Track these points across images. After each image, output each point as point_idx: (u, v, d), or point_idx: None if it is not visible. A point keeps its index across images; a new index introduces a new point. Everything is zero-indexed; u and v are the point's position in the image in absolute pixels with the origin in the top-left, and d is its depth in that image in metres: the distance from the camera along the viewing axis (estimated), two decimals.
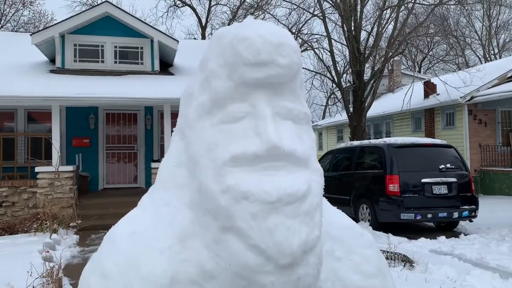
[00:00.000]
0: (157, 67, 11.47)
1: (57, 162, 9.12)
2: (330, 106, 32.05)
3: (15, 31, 24.91)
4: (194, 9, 29.41)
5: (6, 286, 4.31)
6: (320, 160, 12.19)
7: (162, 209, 0.96)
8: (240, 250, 0.82)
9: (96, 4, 11.79)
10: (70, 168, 9.39)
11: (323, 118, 34.00)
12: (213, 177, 0.87)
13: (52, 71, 10.76)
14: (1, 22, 28.11)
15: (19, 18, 29.12)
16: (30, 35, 10.90)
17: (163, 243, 0.91)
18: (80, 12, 11.18)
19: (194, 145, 0.92)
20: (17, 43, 12.36)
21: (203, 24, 29.72)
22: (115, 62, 11.29)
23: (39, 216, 8.13)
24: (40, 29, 12.70)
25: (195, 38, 30.54)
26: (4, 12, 28.59)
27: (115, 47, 11.31)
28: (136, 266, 0.88)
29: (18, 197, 9.15)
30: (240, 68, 0.89)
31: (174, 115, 10.47)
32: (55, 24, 11.39)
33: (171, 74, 11.79)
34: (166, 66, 12.17)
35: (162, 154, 10.21)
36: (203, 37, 29.10)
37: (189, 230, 0.89)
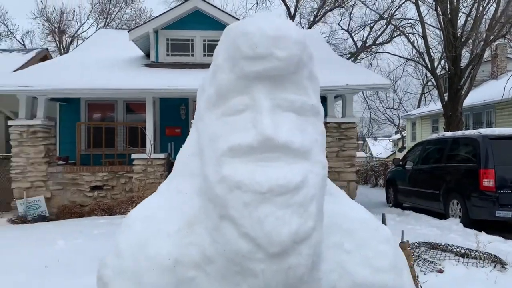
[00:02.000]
0: None
1: (149, 150, 9.81)
2: (425, 95, 30.32)
3: (119, 28, 26.96)
4: None
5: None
6: (408, 152, 11.65)
7: (175, 195, 1.02)
8: (233, 237, 0.86)
9: None
10: (162, 155, 10.05)
11: (418, 107, 32.26)
12: (212, 167, 0.91)
13: (147, 65, 11.53)
14: (107, 21, 30.61)
15: (122, 16, 31.48)
16: (128, 31, 11.76)
17: (172, 227, 0.97)
18: (172, 8, 11.80)
19: (202, 136, 0.97)
20: (118, 40, 13.41)
21: (292, 14, 29.64)
22: (204, 55, 11.77)
23: (133, 199, 8.83)
24: (137, 25, 13.62)
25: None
26: (110, 11, 31.10)
27: (204, 40, 11.78)
28: (145, 247, 0.96)
29: (116, 181, 10.01)
30: (240, 62, 0.92)
31: None
32: (149, 20, 12.17)
33: None
34: None
35: None
36: None
37: (196, 216, 0.94)
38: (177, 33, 11.71)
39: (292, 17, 29.40)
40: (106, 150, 11.13)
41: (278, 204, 0.85)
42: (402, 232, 5.79)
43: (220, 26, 11.57)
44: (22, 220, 9.23)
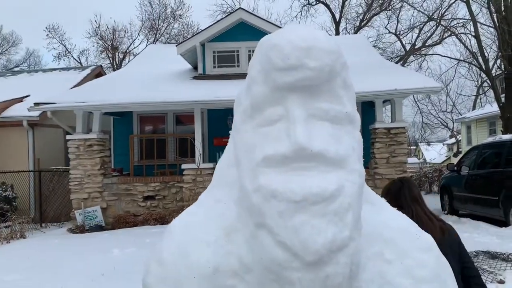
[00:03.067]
0: None
1: (199, 160, 10.02)
2: (480, 97, 28.99)
3: (167, 43, 27.84)
4: (327, 6, 29.29)
5: None
6: (463, 157, 11.17)
7: (214, 205, 1.06)
8: (270, 246, 0.87)
9: (231, 11, 12.66)
10: (210, 165, 10.22)
11: (474, 109, 30.86)
12: (248, 177, 0.94)
13: (194, 77, 11.83)
14: (156, 36, 31.72)
15: (171, 31, 32.49)
16: (176, 46, 12.13)
17: (210, 236, 1.00)
18: (217, 21, 12.06)
19: (238, 147, 1.00)
20: (167, 54, 13.86)
21: (337, 20, 29.41)
22: None
23: (184, 208, 9.00)
24: (184, 40, 14.03)
25: (329, 35, 30.37)
26: (159, 27, 32.21)
27: (249, 51, 11.93)
28: (185, 255, 1.00)
29: (168, 191, 10.29)
30: (272, 73, 0.94)
31: None
32: (195, 34, 12.50)
33: None
34: None
35: None
36: (337, 33, 28.78)
37: (233, 225, 0.97)
38: (223, 45, 11.94)
39: (337, 23, 29.17)
40: (158, 161, 11.48)
41: (313, 212, 0.86)
42: None
43: (263, 35, 11.67)
44: (81, 229, 9.68)
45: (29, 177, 12.11)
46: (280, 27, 11.19)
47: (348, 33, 29.36)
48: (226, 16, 12.37)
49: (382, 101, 10.10)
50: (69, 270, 6.06)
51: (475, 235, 7.47)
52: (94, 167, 10.37)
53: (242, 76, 11.11)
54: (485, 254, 5.66)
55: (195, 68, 12.47)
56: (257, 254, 0.90)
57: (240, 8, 11.99)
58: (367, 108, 12.08)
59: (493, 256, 5.59)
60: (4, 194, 11.13)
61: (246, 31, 11.80)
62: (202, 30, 12.09)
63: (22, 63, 36.17)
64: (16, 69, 32.96)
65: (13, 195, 11.42)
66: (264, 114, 0.96)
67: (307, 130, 0.90)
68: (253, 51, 11.92)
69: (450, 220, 9.45)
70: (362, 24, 29.30)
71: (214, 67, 11.94)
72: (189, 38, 12.57)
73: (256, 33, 11.73)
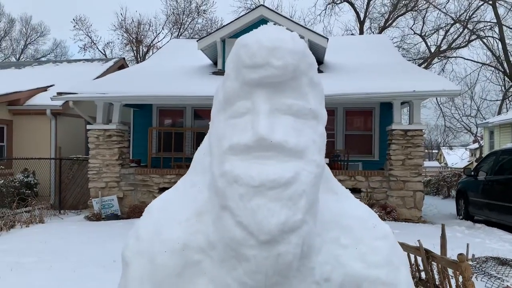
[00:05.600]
0: None
1: None
2: (506, 101, 28.28)
3: (191, 38, 28.09)
4: (352, 5, 29.07)
5: None
6: (481, 162, 11.01)
7: (189, 189, 1.17)
8: (230, 226, 0.97)
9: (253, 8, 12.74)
10: None
11: (499, 114, 30.15)
12: (216, 163, 1.04)
13: (214, 73, 11.95)
14: (180, 30, 32.02)
15: (194, 25, 32.76)
16: (197, 41, 12.27)
17: (182, 216, 1.11)
18: (238, 18, 12.14)
19: (211, 136, 1.10)
20: (188, 49, 14.03)
21: (361, 19, 29.15)
22: None
23: None
24: (205, 35, 14.16)
25: (352, 34, 30.17)
26: (183, 21, 32.51)
27: None
28: (159, 232, 1.11)
29: None
30: (242, 70, 1.04)
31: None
32: (216, 30, 12.61)
33: (320, 71, 11.98)
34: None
35: None
36: (361, 32, 28.54)
37: (204, 207, 1.07)
38: None
39: (361, 22, 28.92)
40: (175, 154, 11.66)
41: (269, 197, 0.95)
42: (468, 245, 5.53)
43: None
44: (97, 217, 9.94)
45: (50, 164, 12.47)
46: (303, 26, 11.24)
47: (373, 32, 29.10)
48: (247, 12, 12.45)
49: (400, 103, 10.03)
50: (83, 256, 6.26)
51: (487, 241, 7.39)
52: (112, 157, 10.61)
53: None
54: (494, 260, 5.60)
55: (215, 63, 12.59)
56: (220, 233, 1.00)
57: (261, 5, 12.05)
58: (385, 109, 12.02)
59: (502, 262, 5.54)
60: (26, 180, 11.49)
61: None
62: (223, 26, 12.19)
63: (49, 53, 37.04)
64: (43, 59, 33.77)
65: (35, 181, 11.78)
66: (234, 107, 1.06)
67: (269, 123, 0.99)
68: None
69: (464, 225, 9.35)
70: (387, 24, 28.99)
71: None
72: (209, 34, 12.70)
73: None
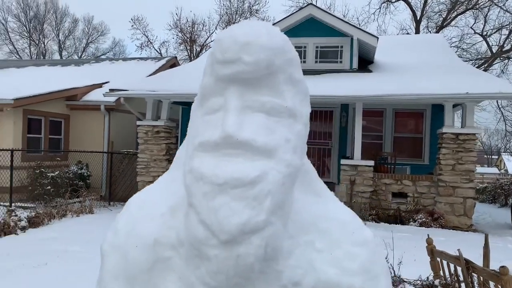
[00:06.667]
0: (355, 65, 11.54)
1: None
2: None
3: None
4: (408, 3, 28.11)
5: None
6: None
7: (169, 184, 1.16)
8: (194, 223, 0.95)
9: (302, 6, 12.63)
10: None
11: None
12: (188, 159, 1.03)
13: None
14: None
15: None
16: None
17: (157, 212, 1.10)
18: (286, 17, 12.09)
19: (188, 132, 1.10)
20: None
21: (418, 18, 28.13)
22: (316, 62, 11.84)
23: None
24: None
25: (408, 33, 29.21)
26: (235, 21, 32.87)
27: (316, 47, 11.85)
28: (134, 227, 1.11)
29: None
30: (215, 66, 1.02)
31: (365, 113, 10.42)
32: None
33: (369, 71, 11.70)
34: (365, 64, 12.13)
35: (353, 152, 10.28)
36: (417, 32, 27.57)
37: (179, 203, 1.05)
38: (291, 40, 11.75)
39: (417, 21, 27.92)
40: None
41: (232, 195, 0.92)
42: None
43: (334, 32, 11.55)
44: None
45: (102, 158, 13.03)
46: (351, 25, 10.99)
47: (430, 32, 28.02)
48: (296, 11, 12.37)
49: (452, 105, 9.58)
50: None
51: None
52: (160, 152, 10.93)
53: (308, 71, 11.06)
54: None
55: None
56: (186, 231, 0.99)
57: (310, 3, 11.93)
58: (437, 111, 11.53)
59: None
60: (79, 171, 12.08)
61: (316, 27, 11.72)
62: (272, 25, 12.19)
63: (108, 52, 38.71)
64: (102, 57, 35.36)
65: (88, 173, 12.36)
66: (209, 103, 1.04)
67: (239, 120, 0.97)
68: (320, 47, 11.84)
69: None
70: (445, 23, 27.81)
71: None
72: None
73: (325, 30, 11.63)
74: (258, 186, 0.93)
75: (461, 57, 20.06)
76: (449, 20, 27.75)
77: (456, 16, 27.36)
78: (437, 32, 26.79)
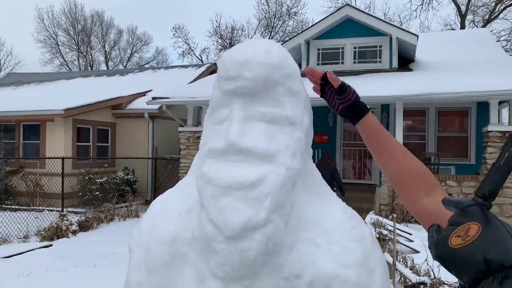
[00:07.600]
0: (395, 64, 11.36)
1: None
2: None
3: (282, 41, 28.44)
4: None
5: None
6: None
7: (186, 188, 1.28)
8: (205, 222, 1.07)
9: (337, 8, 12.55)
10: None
11: None
12: (199, 165, 1.16)
13: None
14: (271, 34, 32.62)
15: (285, 28, 33.15)
16: (281, 44, 12.44)
17: (176, 212, 1.24)
18: (323, 19, 12.08)
19: (201, 140, 1.22)
20: None
21: (463, 13, 27.23)
22: (354, 62, 11.75)
23: None
24: (289, 38, 14.28)
25: (453, 29, 28.30)
26: (274, 25, 33.08)
27: (354, 48, 11.76)
28: (154, 226, 1.25)
29: None
30: (221, 81, 1.15)
31: (406, 113, 10.21)
32: (300, 32, 12.67)
33: (410, 70, 11.48)
34: (406, 62, 11.91)
35: None
36: (462, 27, 26.68)
37: (194, 205, 1.18)
38: (328, 42, 11.94)
39: (463, 16, 27.02)
40: None
41: (236, 197, 1.04)
42: None
43: (371, 32, 11.42)
44: None
45: (147, 163, 13.50)
46: (390, 23, 10.82)
47: (476, 26, 27.04)
48: (332, 13, 12.33)
49: (497, 102, 9.24)
50: None
51: None
52: None
53: (346, 73, 11.05)
54: None
55: (300, 66, 12.67)
56: (198, 228, 1.12)
57: (347, 4, 11.87)
58: (484, 109, 11.13)
59: None
60: (126, 177, 12.58)
61: (353, 27, 11.64)
62: (308, 28, 12.23)
63: (151, 61, 39.94)
64: (146, 66, 36.55)
65: (134, 178, 12.85)
66: (217, 114, 1.17)
67: (241, 129, 1.09)
68: (358, 47, 11.75)
69: None
70: (492, 16, 26.75)
71: (318, 64, 12.00)
72: (294, 36, 12.81)
73: (363, 30, 11.53)
74: (259, 188, 1.04)
75: (508, 52, 19.20)
76: (497, 13, 26.68)
77: (504, 9, 26.26)
78: (484, 26, 25.80)
